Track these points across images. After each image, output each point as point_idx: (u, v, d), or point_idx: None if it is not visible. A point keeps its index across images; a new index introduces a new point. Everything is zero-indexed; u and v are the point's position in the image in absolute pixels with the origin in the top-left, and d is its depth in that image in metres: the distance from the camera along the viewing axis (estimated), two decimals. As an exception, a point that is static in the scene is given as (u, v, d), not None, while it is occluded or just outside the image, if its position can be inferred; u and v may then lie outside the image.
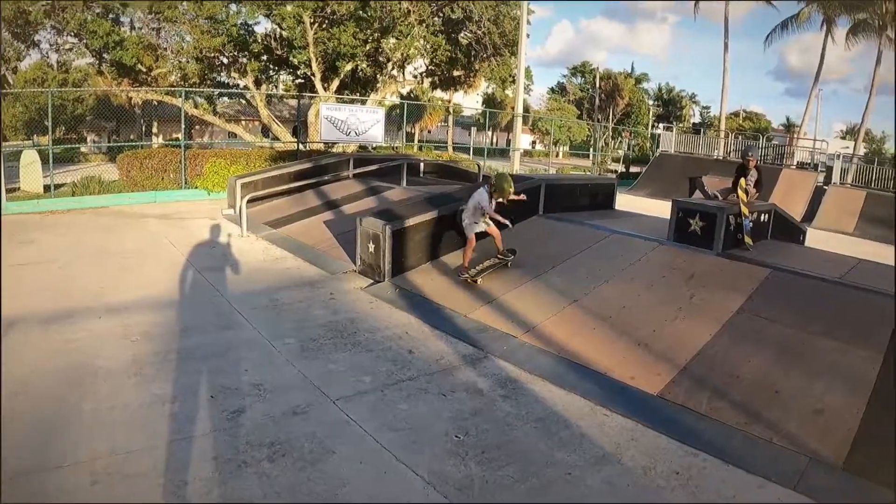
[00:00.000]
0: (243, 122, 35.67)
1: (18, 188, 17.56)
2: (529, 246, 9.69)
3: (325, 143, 21.77)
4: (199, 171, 17.37)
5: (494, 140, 62.05)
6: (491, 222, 8.98)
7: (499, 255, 9.15)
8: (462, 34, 29.42)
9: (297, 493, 4.20)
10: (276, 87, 32.79)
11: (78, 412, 5.25)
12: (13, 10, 19.79)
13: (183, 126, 19.09)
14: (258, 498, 4.14)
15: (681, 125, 62.89)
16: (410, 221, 9.45)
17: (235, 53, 26.71)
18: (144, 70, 25.60)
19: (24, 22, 21.97)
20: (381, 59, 28.44)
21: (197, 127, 38.82)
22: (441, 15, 27.86)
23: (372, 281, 9.27)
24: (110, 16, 24.86)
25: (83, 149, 39.03)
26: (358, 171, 16.02)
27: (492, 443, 4.87)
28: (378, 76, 29.49)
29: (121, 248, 11.06)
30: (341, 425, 5.11)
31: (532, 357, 6.59)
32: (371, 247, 9.40)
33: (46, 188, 17.15)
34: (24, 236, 12.18)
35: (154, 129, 35.38)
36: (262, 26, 27.34)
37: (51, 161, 17.03)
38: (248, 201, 12.57)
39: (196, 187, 17.19)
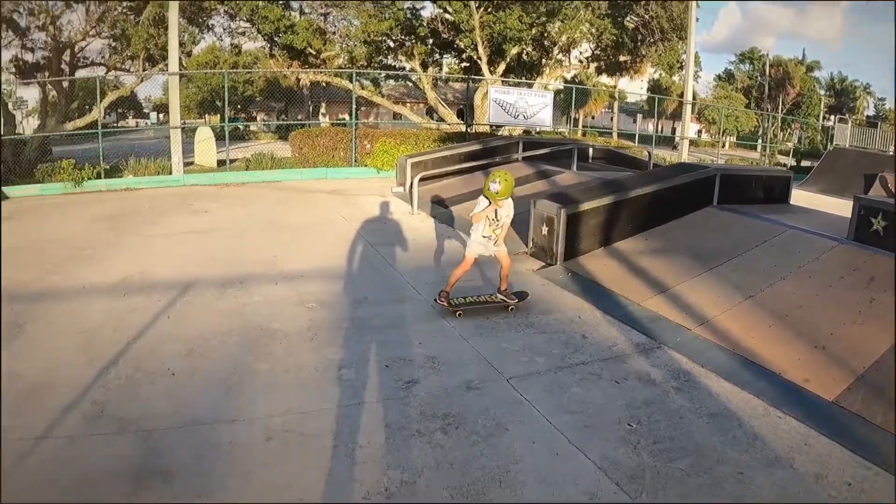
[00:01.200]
0: (408, 104, 36.36)
1: (193, 162, 18.68)
2: (703, 237, 9.19)
3: (491, 125, 21.73)
4: (368, 150, 17.76)
5: (659, 128, 60.16)
6: (503, 245, 7.18)
7: (500, 294, 7.24)
8: (628, 18, 28.56)
9: (469, 465, 4.13)
10: (441, 69, 33.17)
11: (253, 372, 5.44)
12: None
13: (353, 106, 19.58)
14: (431, 467, 4.11)
15: (854, 117, 58.34)
16: (584, 206, 9.17)
17: (402, 37, 27.27)
18: (314, 53, 26.53)
19: (198, 8, 23.18)
20: (546, 42, 28.11)
21: (363, 108, 40.10)
22: (607, -3, 27.15)
23: (543, 264, 9.07)
24: (279, 1, 25.85)
25: (253, 127, 41.27)
26: (527, 154, 15.85)
27: (664, 434, 4.60)
28: (543, 60, 29.18)
29: (293, 220, 11.52)
30: (515, 404, 4.98)
31: (705, 350, 6.20)
32: (544, 229, 9.21)
33: (220, 163, 18.12)
34: (199, 206, 12.90)
35: (322, 110, 36.69)
36: (428, 10, 27.67)
37: (227, 137, 18.05)
38: (418, 180, 12.65)
39: (365, 165, 17.64)
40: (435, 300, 7.02)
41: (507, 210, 6.99)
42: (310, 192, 14.60)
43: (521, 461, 4.19)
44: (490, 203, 6.82)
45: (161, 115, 56.59)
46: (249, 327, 6.42)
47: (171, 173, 16.46)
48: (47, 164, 16.44)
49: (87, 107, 26.22)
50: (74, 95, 23.88)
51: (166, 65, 21.38)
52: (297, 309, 6.96)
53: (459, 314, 6.90)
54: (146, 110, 59.44)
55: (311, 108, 37.27)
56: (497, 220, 6.98)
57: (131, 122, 56.99)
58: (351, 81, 22.17)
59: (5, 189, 15.21)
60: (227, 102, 20.01)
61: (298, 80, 29.46)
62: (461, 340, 6.23)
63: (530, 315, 7.03)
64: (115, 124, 46.26)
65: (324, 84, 29.82)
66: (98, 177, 15.91)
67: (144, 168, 16.72)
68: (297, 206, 12.91)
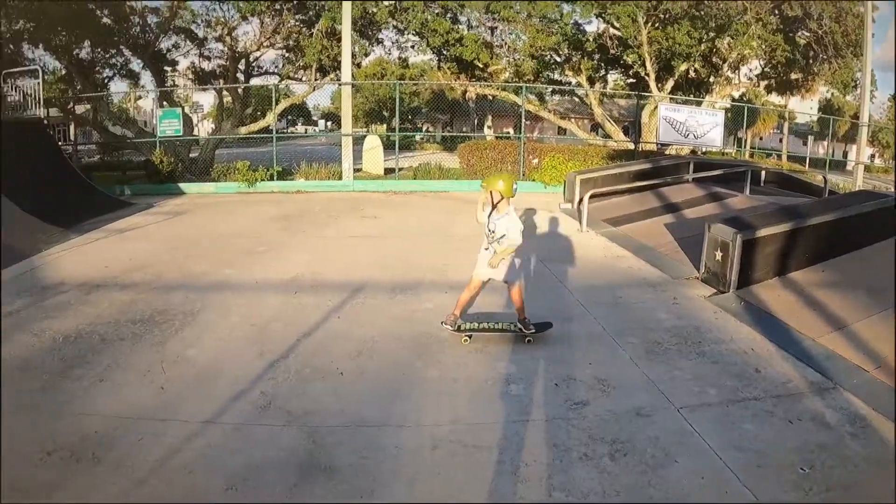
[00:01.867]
0: (573, 120, 36.07)
1: (360, 169, 19.24)
2: (885, 272, 8.47)
3: (660, 144, 21.18)
4: (535, 165, 17.70)
5: (831, 151, 56.68)
6: (503, 265, 6.35)
7: (519, 322, 6.46)
8: (799, 33, 27.01)
9: (636, 495, 3.98)
10: (606, 85, 32.68)
11: (422, 378, 5.51)
12: (360, 10, 21.49)
13: (522, 121, 19.62)
14: (597, 493, 3.98)
15: None
16: (761, 232, 8.66)
17: (569, 52, 27.06)
18: (481, 66, 26.78)
19: (369, 21, 23.86)
20: (714, 59, 27.11)
21: (527, 122, 40.02)
22: (778, 13, 25.78)
23: (715, 290, 8.63)
24: (448, 15, 26.25)
25: (417, 137, 42.16)
26: (697, 175, 15.26)
27: (837, 482, 4.24)
28: (712, 78, 28.16)
29: (462, 230, 11.63)
30: (685, 435, 4.74)
31: (883, 395, 5.67)
32: (718, 254, 8.78)
33: (387, 171, 18.57)
34: (369, 211, 13.26)
35: (488, 123, 37.01)
36: (595, 25, 27.24)
37: (397, 146, 18.43)
38: (588, 198, 12.45)
39: (533, 180, 17.59)
40: (441, 322, 6.39)
41: (504, 224, 6.23)
42: (477, 204, 14.63)
43: (688, 497, 4.00)
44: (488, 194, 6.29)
45: (329, 123, 59.19)
46: (419, 334, 6.50)
47: (340, 179, 17.06)
48: (221, 164, 17.43)
49: (259, 113, 27.54)
50: (249, 102, 25.18)
51: (337, 75, 22.38)
52: (466, 319, 6.96)
53: (466, 340, 6.31)
54: (314, 118, 62.20)
55: (475, 121, 37.68)
56: (493, 234, 6.26)
57: (300, 128, 59.69)
58: (518, 95, 22.15)
59: (183, 185, 16.31)
60: (398, 113, 20.38)
61: (464, 92, 29.82)
62: (631, 364, 6.01)
63: (702, 344, 6.70)
64: (285, 130, 48.49)
65: (490, 97, 30.01)
66: (270, 179, 16.71)
67: (315, 173, 17.43)
68: (465, 216, 12.96)
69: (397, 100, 20.67)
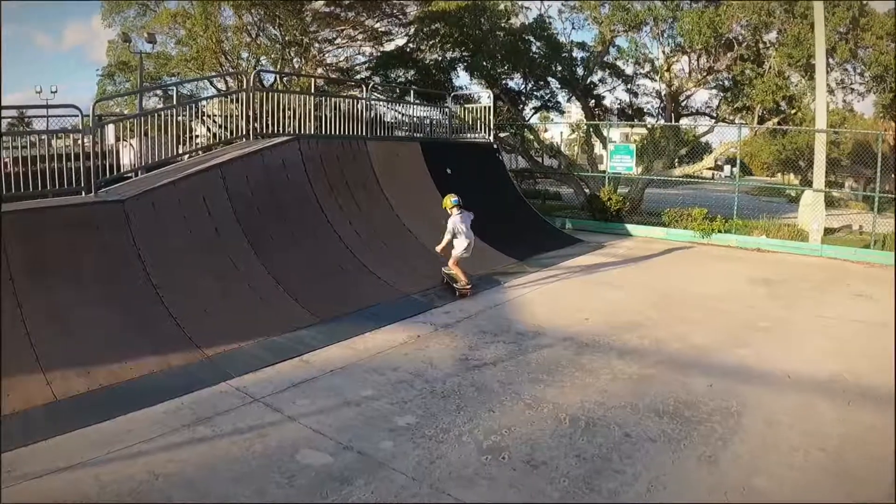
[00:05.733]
0: None
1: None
2: None
3: None
4: None
5: None
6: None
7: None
8: None
9: None
10: None
11: None
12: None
13: None
14: None
15: None
16: None
17: None
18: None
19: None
20: None
21: None
22: None
23: None
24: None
25: (836, 193, 38.00)
26: None
27: None
28: None
29: None
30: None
31: None
32: None
33: (827, 231, 16.21)
34: (857, 287, 11.27)
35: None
36: None
37: (875, 206, 15.87)
38: None
39: None
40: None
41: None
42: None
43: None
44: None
45: (733, 169, 55.86)
46: None
47: (806, 240, 15.04)
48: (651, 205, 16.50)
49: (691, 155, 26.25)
50: (685, 141, 23.97)
51: (782, 118, 20.31)
52: None
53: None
54: (719, 162, 58.84)
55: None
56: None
57: (706, 172, 56.96)
58: None
59: (630, 227, 15.53)
60: (879, 166, 17.35)
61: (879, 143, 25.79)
62: None
63: None
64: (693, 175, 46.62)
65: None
66: (728, 231, 15.25)
67: (777, 230, 15.53)
68: None
69: (879, 154, 17.52)
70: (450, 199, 9.99)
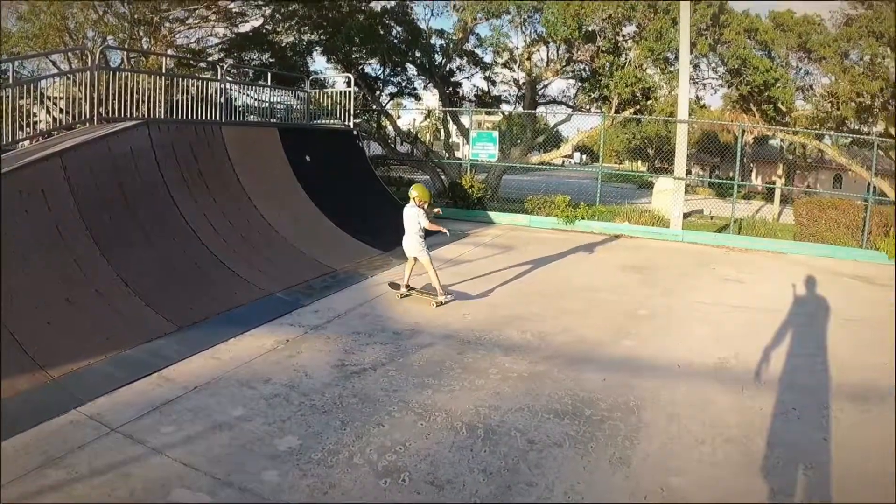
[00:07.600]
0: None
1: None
2: None
3: None
4: (880, 231, 14.85)
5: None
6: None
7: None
8: None
9: None
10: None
11: None
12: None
13: (873, 176, 16.95)
14: None
15: None
16: None
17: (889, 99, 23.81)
18: (785, 110, 24.15)
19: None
20: None
21: (798, 172, 36.57)
22: None
23: None
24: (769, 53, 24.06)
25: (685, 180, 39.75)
26: None
27: None
28: None
29: (853, 313, 9.28)
30: None
31: None
32: None
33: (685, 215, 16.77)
34: (722, 271, 11.58)
35: (779, 172, 33.90)
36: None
37: (735, 194, 16.39)
38: None
39: (876, 248, 14.66)
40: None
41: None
42: (838, 276, 12.06)
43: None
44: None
45: (583, 156, 58.03)
46: None
47: (667, 226, 15.28)
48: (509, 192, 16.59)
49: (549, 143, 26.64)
50: (539, 130, 24.12)
51: (637, 109, 20.79)
52: None
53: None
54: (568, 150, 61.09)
55: (742, 165, 34.74)
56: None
57: (557, 160, 58.81)
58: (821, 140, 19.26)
59: (493, 214, 15.41)
60: (739, 158, 17.87)
61: (738, 134, 27.26)
62: None
63: None
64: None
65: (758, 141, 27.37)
66: (591, 218, 15.30)
67: (639, 216, 15.72)
68: (830, 288, 10.56)
69: (739, 144, 18.04)
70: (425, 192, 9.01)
